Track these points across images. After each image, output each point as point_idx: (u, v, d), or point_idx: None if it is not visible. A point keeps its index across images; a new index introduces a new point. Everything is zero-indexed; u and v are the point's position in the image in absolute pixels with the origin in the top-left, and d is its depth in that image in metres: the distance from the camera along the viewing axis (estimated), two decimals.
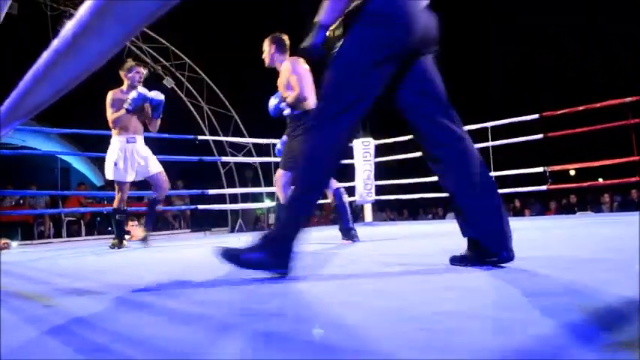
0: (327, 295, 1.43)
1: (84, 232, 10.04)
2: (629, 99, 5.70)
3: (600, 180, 10.77)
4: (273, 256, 1.75)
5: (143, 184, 5.11)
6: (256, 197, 13.31)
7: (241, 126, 13.08)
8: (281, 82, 3.93)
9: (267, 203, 11.63)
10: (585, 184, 7.02)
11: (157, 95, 4.44)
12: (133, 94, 4.35)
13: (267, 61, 4.01)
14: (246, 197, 13.20)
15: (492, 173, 6.54)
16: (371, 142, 7.42)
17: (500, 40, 14.37)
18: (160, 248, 4.30)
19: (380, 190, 7.65)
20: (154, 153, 4.67)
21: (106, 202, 9.79)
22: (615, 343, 0.76)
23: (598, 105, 5.96)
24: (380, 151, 7.69)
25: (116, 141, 4.55)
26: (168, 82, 12.23)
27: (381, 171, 7.59)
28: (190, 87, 12.86)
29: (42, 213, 9.44)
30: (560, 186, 6.75)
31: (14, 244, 6.08)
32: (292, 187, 1.87)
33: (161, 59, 12.34)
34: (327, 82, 1.81)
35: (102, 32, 0.77)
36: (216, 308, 1.31)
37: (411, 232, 4.73)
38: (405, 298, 1.30)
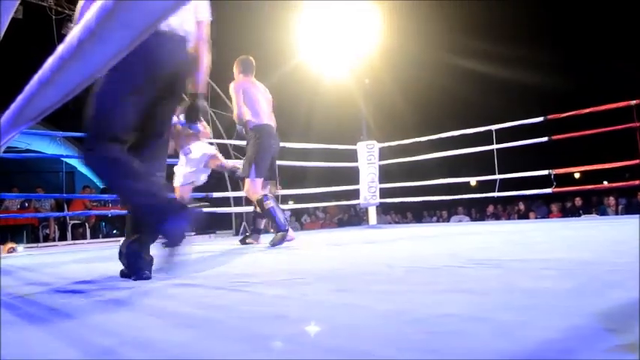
0: (330, 297, 1.43)
1: (89, 236, 10.06)
2: (634, 102, 5.68)
3: (605, 183, 10.73)
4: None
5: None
6: None
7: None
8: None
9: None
10: (590, 186, 6.99)
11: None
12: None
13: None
14: (249, 200, 13.19)
15: (497, 176, 6.54)
16: (375, 145, 7.43)
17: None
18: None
19: (384, 192, 7.64)
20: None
21: (110, 205, 9.79)
22: (619, 345, 0.77)
23: (603, 108, 5.94)
24: (384, 154, 7.69)
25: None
26: None
27: (385, 174, 7.60)
28: None
29: (47, 216, 9.46)
30: (565, 189, 6.73)
31: (20, 248, 6.10)
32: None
33: None
34: None
35: (108, 38, 0.78)
36: (220, 311, 1.31)
37: (414, 235, 4.73)
38: (409, 300, 1.30)
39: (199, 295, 1.64)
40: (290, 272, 2.14)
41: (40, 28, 9.60)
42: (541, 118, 6.37)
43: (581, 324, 0.91)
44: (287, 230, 3.95)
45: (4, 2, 1.31)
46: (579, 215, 9.40)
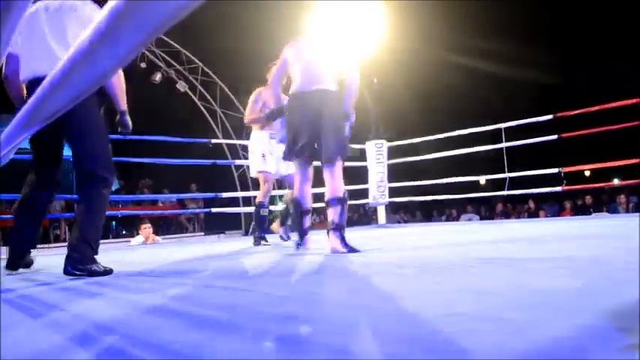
0: (339, 297, 1.44)
1: None
2: None
3: (616, 180, 10.66)
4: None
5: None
6: (269, 200, 13.31)
7: None
8: None
9: (280, 206, 11.65)
10: (601, 184, 6.94)
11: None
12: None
13: None
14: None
15: (506, 174, 6.52)
16: (384, 145, 7.41)
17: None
18: (173, 249, 4.33)
19: (393, 192, 7.63)
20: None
21: (120, 206, 9.85)
22: (631, 344, 0.76)
23: (612, 105, 5.90)
24: (393, 153, 7.68)
25: (260, 135, 4.61)
26: (182, 85, 12.30)
27: (394, 173, 7.58)
28: (203, 91, 12.93)
29: (58, 217, 9.53)
30: (575, 187, 6.69)
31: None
32: None
33: (174, 63, 12.41)
34: None
35: (118, 39, 0.78)
36: (230, 312, 1.32)
37: (424, 234, 4.72)
38: (418, 299, 1.30)
39: (210, 296, 1.64)
40: (299, 272, 2.14)
41: None
42: (550, 116, 6.33)
43: (592, 323, 0.91)
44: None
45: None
46: (590, 213, 9.34)
